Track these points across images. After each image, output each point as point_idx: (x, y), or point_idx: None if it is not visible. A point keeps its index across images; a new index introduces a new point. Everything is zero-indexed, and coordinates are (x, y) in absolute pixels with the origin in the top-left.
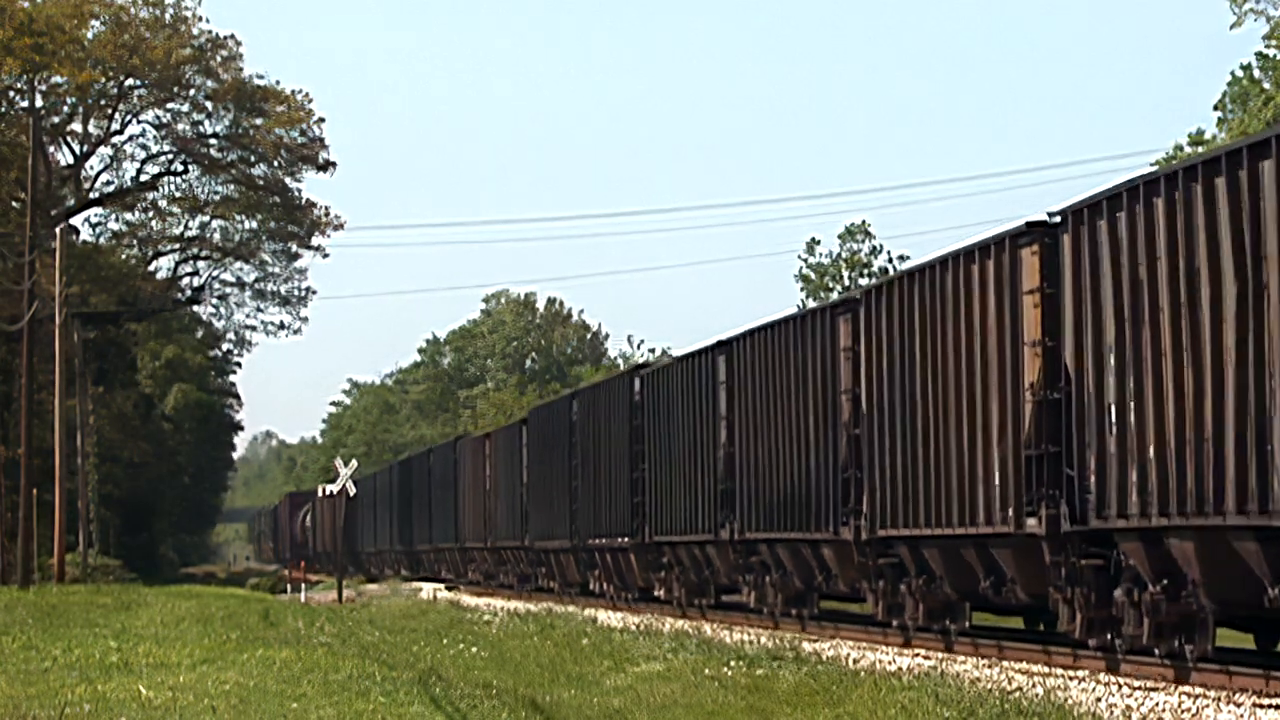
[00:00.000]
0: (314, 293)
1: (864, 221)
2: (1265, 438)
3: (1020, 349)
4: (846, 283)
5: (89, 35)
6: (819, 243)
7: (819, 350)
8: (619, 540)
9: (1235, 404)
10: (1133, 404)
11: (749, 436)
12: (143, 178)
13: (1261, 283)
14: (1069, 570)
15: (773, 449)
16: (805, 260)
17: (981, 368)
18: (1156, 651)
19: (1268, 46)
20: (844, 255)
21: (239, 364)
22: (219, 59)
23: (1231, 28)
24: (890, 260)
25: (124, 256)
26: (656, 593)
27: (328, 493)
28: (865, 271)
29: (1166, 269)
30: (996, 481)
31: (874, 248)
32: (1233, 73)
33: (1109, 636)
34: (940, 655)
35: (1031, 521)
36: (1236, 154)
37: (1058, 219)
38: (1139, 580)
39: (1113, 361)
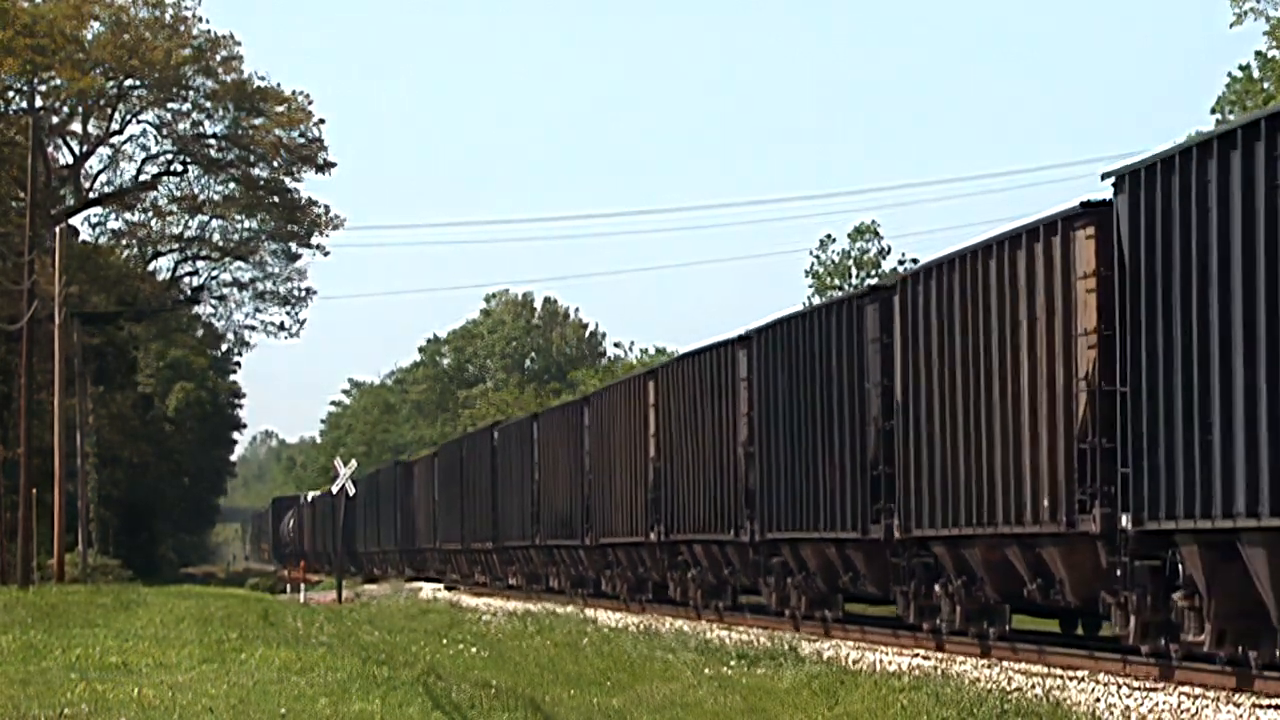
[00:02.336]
0: (314, 293)
1: (874, 222)
2: None
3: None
4: (855, 282)
5: (89, 36)
6: (833, 240)
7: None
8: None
9: None
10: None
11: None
12: (142, 178)
13: None
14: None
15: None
16: (817, 257)
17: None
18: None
19: (1269, 46)
20: (853, 255)
21: (239, 364)
22: (219, 59)
23: (1231, 26)
24: (901, 261)
25: (124, 256)
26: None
27: (309, 499)
28: (875, 272)
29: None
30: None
31: (882, 248)
32: (1230, 73)
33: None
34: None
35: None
36: None
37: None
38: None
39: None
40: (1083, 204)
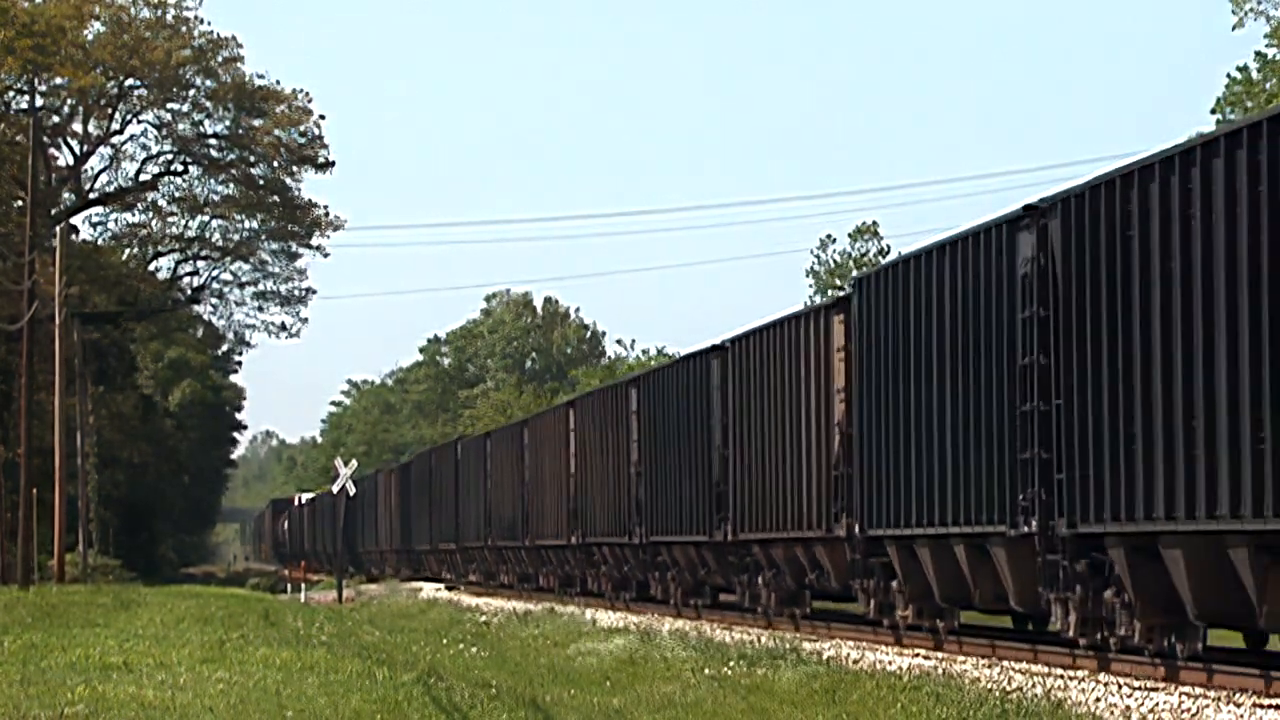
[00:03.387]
0: (314, 293)
1: (874, 223)
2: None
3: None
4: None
5: (89, 36)
6: (834, 240)
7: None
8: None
9: None
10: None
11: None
12: (143, 178)
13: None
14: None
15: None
16: (818, 257)
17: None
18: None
19: (1268, 46)
20: (854, 255)
21: (239, 363)
22: (219, 59)
23: (1234, 28)
24: None
25: (124, 256)
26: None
27: (303, 501)
28: None
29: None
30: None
31: (882, 248)
32: (1230, 74)
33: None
34: (930, 650)
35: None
36: None
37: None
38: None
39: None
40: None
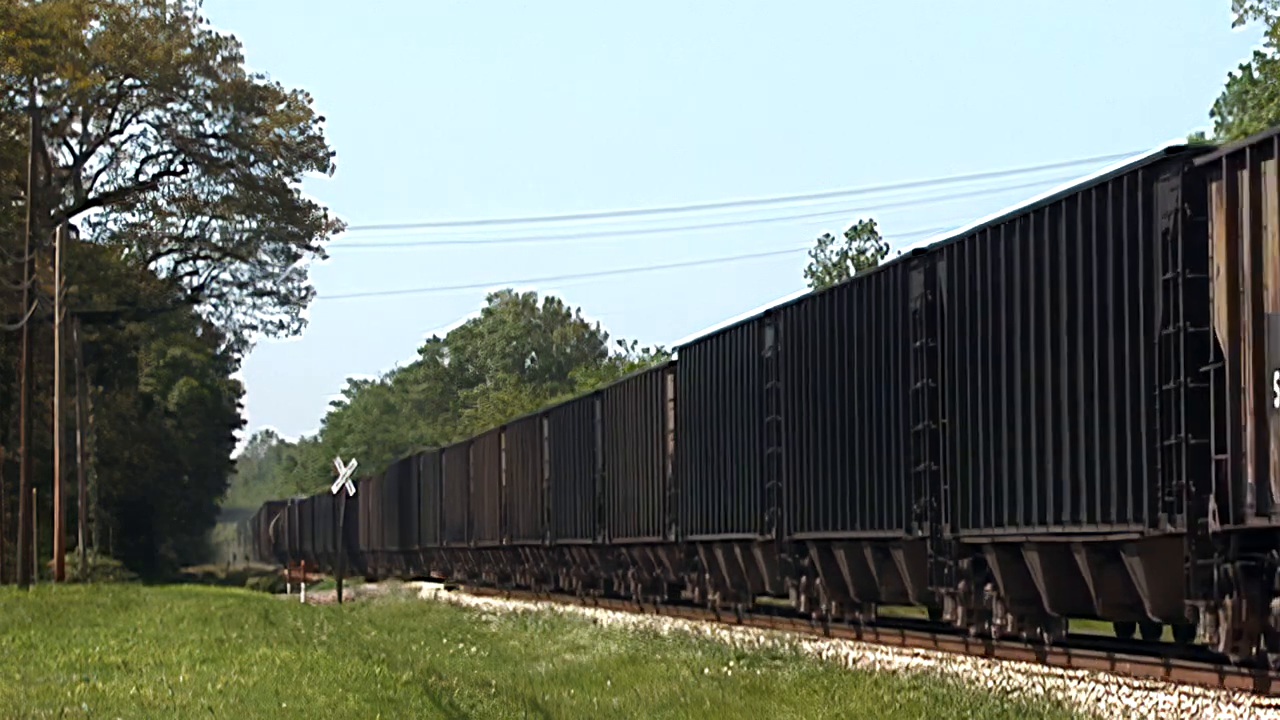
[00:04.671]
0: (313, 293)
1: (871, 221)
2: None
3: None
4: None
5: (89, 35)
6: (832, 239)
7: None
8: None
9: None
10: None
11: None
12: (142, 178)
13: None
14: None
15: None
16: (816, 256)
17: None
18: None
19: (1267, 45)
20: (851, 254)
21: (238, 363)
22: (219, 59)
23: (1233, 26)
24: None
25: (123, 256)
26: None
27: (295, 502)
28: None
29: None
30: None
31: (880, 247)
32: (1231, 74)
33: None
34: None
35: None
36: None
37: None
38: None
39: None
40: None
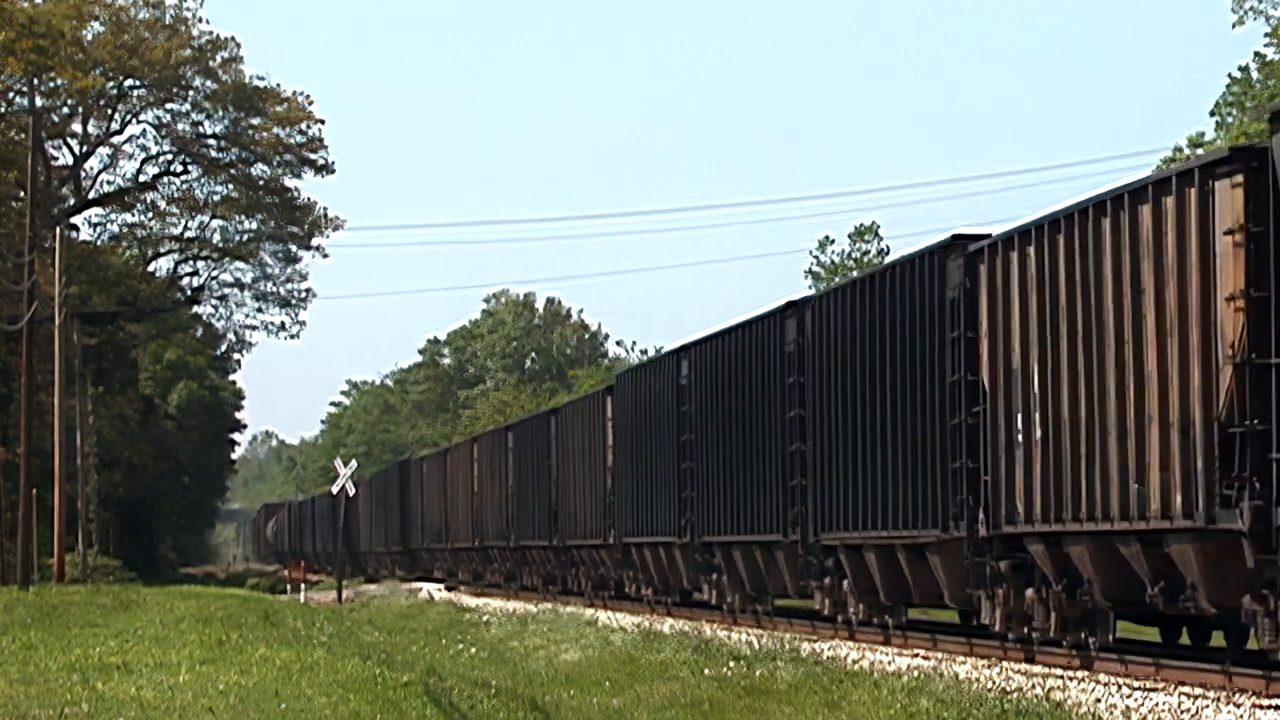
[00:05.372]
0: (314, 295)
1: (874, 223)
2: None
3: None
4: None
5: (89, 36)
6: (833, 241)
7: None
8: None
9: None
10: None
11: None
12: (142, 178)
13: None
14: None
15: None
16: (817, 257)
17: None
18: None
19: (1267, 45)
20: (854, 255)
21: (238, 363)
22: (219, 60)
23: (1234, 27)
24: None
25: (124, 257)
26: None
27: (290, 505)
28: None
29: None
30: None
31: (882, 248)
32: (1230, 75)
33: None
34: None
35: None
36: None
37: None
38: None
39: None
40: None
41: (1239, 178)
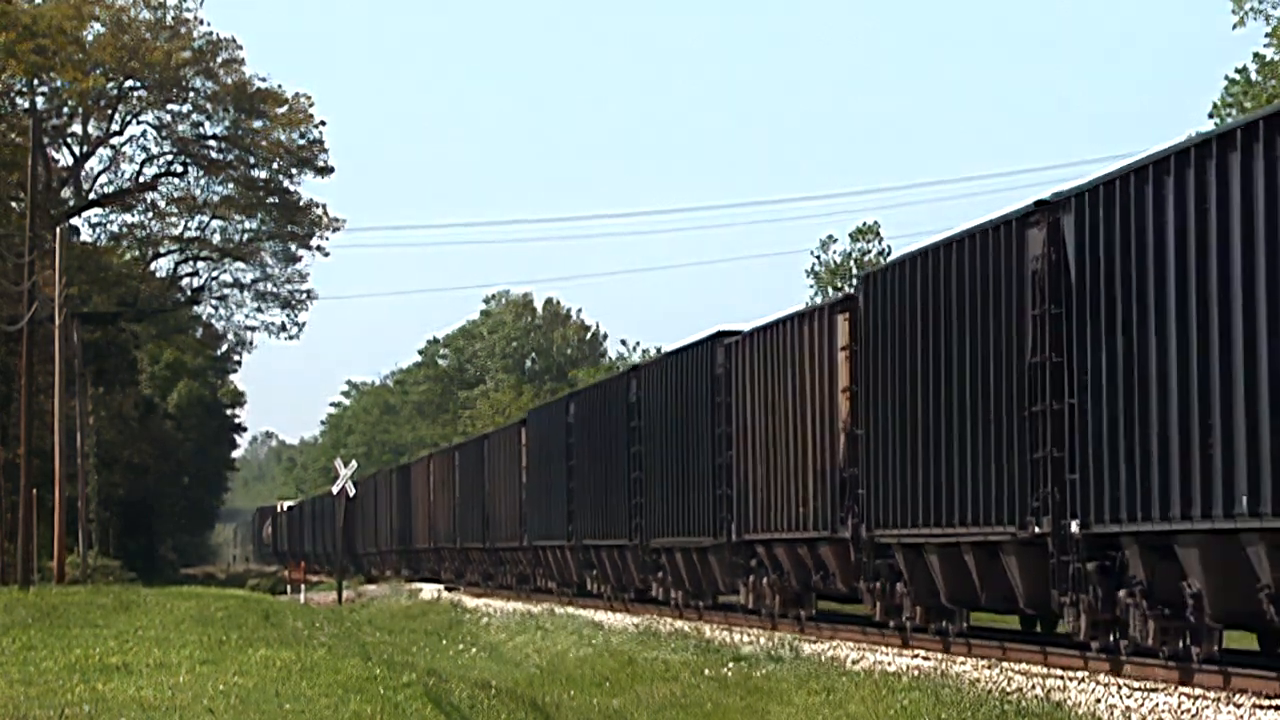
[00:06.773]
0: (314, 296)
1: (875, 223)
2: None
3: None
4: (855, 283)
5: (89, 37)
6: (835, 240)
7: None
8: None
9: None
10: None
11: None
12: (142, 179)
13: None
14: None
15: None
16: (818, 257)
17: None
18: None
19: (1266, 45)
20: (855, 255)
21: (238, 364)
22: (219, 61)
23: (1234, 28)
24: None
25: (124, 257)
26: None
27: (283, 509)
28: None
29: None
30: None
31: (883, 249)
32: (1229, 76)
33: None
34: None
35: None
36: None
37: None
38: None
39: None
40: (1036, 203)
41: (847, 315)
